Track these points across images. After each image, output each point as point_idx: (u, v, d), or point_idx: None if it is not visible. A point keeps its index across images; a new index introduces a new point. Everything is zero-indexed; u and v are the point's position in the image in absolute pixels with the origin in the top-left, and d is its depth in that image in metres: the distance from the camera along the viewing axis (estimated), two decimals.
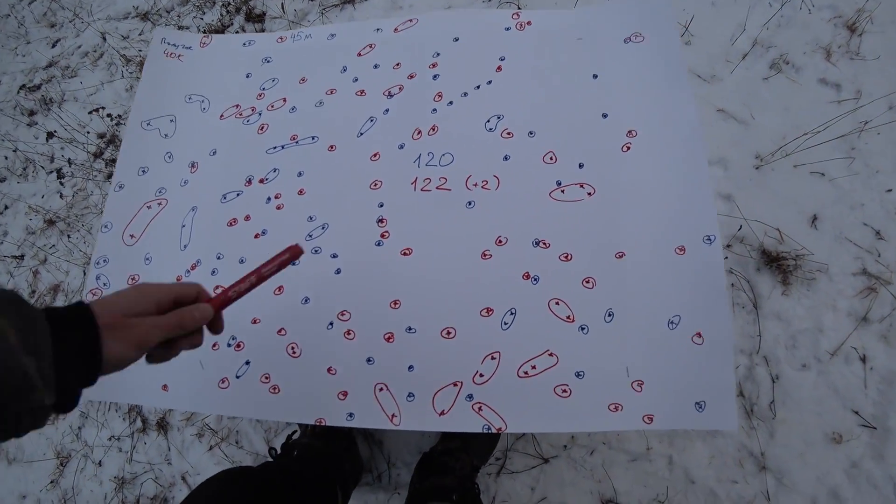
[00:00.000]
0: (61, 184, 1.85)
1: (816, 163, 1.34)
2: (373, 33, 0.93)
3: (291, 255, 0.53)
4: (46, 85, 2.16)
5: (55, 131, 1.94)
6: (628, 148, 0.76)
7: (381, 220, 0.78)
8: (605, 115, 0.78)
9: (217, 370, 0.78)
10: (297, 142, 0.88)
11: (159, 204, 0.94)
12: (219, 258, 0.85)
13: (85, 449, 1.52)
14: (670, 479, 1.14)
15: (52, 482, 1.54)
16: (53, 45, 2.26)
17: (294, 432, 1.14)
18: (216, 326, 0.52)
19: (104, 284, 0.91)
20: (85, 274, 1.73)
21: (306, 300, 0.78)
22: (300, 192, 0.83)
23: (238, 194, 0.88)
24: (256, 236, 0.84)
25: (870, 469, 1.14)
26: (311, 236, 0.80)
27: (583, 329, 0.70)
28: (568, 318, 0.70)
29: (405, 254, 0.75)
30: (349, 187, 0.79)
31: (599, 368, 0.68)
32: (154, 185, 0.95)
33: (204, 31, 1.93)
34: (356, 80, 0.89)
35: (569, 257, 0.72)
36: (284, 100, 0.92)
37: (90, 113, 1.90)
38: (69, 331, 0.40)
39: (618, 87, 0.80)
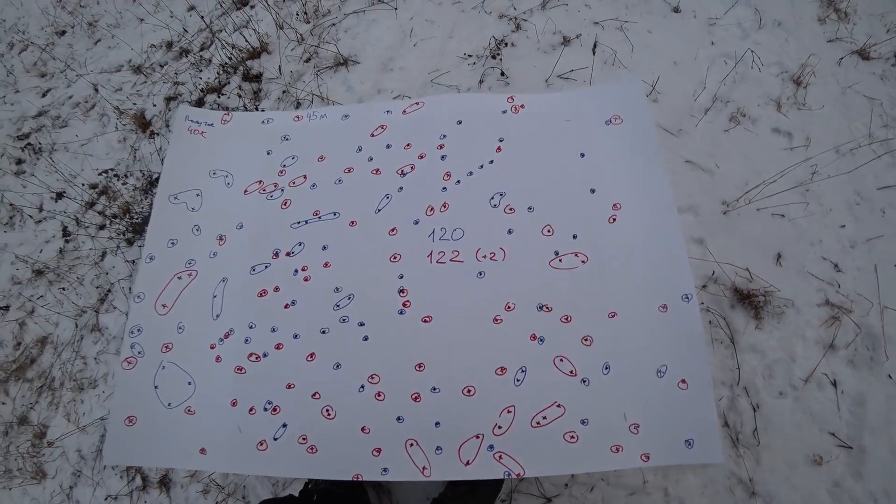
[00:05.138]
0: (66, 241, 1.89)
1: (777, 206, 1.49)
2: (383, 115, 1.04)
3: None
4: (36, 134, 2.20)
5: (64, 191, 1.98)
6: (614, 220, 0.87)
7: (402, 291, 0.87)
8: (592, 191, 0.90)
9: (255, 433, 0.85)
10: (319, 217, 0.97)
11: (189, 275, 1.01)
12: (251, 327, 0.92)
13: None
14: None
15: None
16: (44, 95, 2.31)
17: (309, 482, 1.19)
18: None
19: (139, 353, 0.97)
20: (77, 326, 1.74)
21: (337, 366, 0.86)
22: (325, 265, 0.92)
23: (266, 266, 0.96)
24: (286, 306, 0.92)
25: (851, 487, 1.24)
26: (338, 306, 0.89)
27: (584, 381, 0.80)
28: (571, 372, 0.80)
29: (426, 321, 0.85)
30: (371, 260, 0.88)
31: (601, 415, 0.78)
32: (184, 257, 1.02)
33: (202, 98, 2.02)
34: (371, 159, 1.00)
35: (569, 319, 0.82)
36: (305, 176, 1.02)
37: (100, 174, 1.96)
38: None
39: (602, 164, 0.92)
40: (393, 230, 0.92)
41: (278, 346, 0.90)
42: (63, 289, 1.81)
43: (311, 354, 0.87)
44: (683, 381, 0.77)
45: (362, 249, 0.92)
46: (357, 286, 0.89)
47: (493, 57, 1.71)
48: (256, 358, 0.90)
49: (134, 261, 1.78)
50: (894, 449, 1.28)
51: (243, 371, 0.90)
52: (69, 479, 1.53)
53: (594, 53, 1.58)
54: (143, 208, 1.86)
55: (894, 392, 1.32)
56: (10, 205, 2.00)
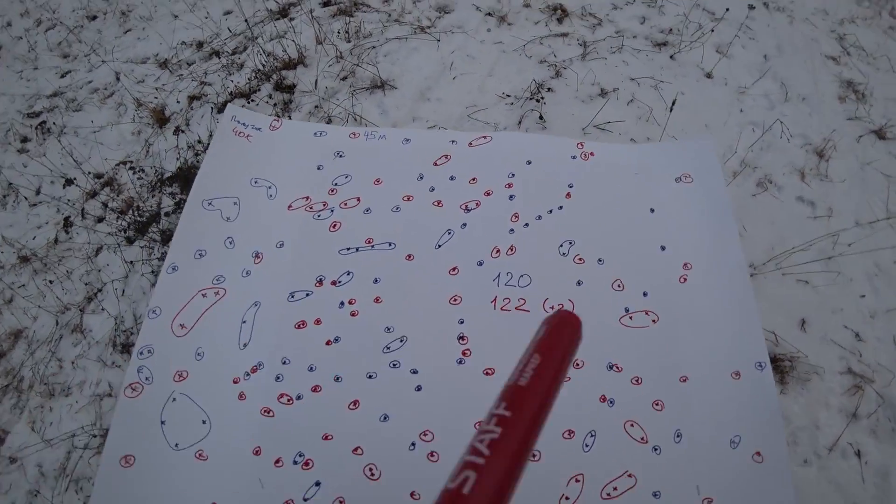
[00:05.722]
0: (66, 232, 1.75)
1: (801, 273, 1.50)
2: (448, 144, 1.00)
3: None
4: (48, 113, 2.10)
5: (75, 178, 1.86)
6: (685, 279, 0.84)
7: (462, 338, 0.81)
8: (663, 248, 0.87)
9: (280, 490, 0.75)
10: (372, 246, 0.91)
11: (216, 293, 0.92)
12: (285, 363, 0.83)
13: None
14: None
15: None
16: (63, 76, 2.22)
17: None
18: None
19: (146, 379, 0.86)
20: (58, 324, 1.59)
21: (385, 417, 0.77)
22: (377, 300, 0.85)
23: (308, 294, 0.88)
24: (328, 343, 0.83)
25: None
26: (388, 349, 0.81)
27: (656, 450, 0.74)
28: (642, 439, 0.74)
29: (487, 374, 0.78)
30: (428, 300, 0.82)
31: (673, 487, 0.72)
32: (212, 272, 0.93)
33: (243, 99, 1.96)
34: (433, 189, 0.95)
35: (639, 381, 0.77)
36: (359, 199, 0.96)
37: (117, 165, 1.85)
38: None
39: (672, 222, 0.90)
40: (454, 269, 0.86)
41: (315, 389, 0.81)
42: (50, 281, 1.67)
43: (355, 402, 0.78)
44: (758, 454, 0.72)
45: (419, 287, 0.85)
46: (411, 328, 0.82)
47: (537, 101, 1.71)
48: (288, 400, 0.81)
49: (132, 262, 1.65)
50: None
51: (271, 414, 0.80)
52: (23, 497, 1.36)
53: (671, 110, 1.58)
54: (151, 206, 1.75)
55: None
56: (9, 183, 1.87)
